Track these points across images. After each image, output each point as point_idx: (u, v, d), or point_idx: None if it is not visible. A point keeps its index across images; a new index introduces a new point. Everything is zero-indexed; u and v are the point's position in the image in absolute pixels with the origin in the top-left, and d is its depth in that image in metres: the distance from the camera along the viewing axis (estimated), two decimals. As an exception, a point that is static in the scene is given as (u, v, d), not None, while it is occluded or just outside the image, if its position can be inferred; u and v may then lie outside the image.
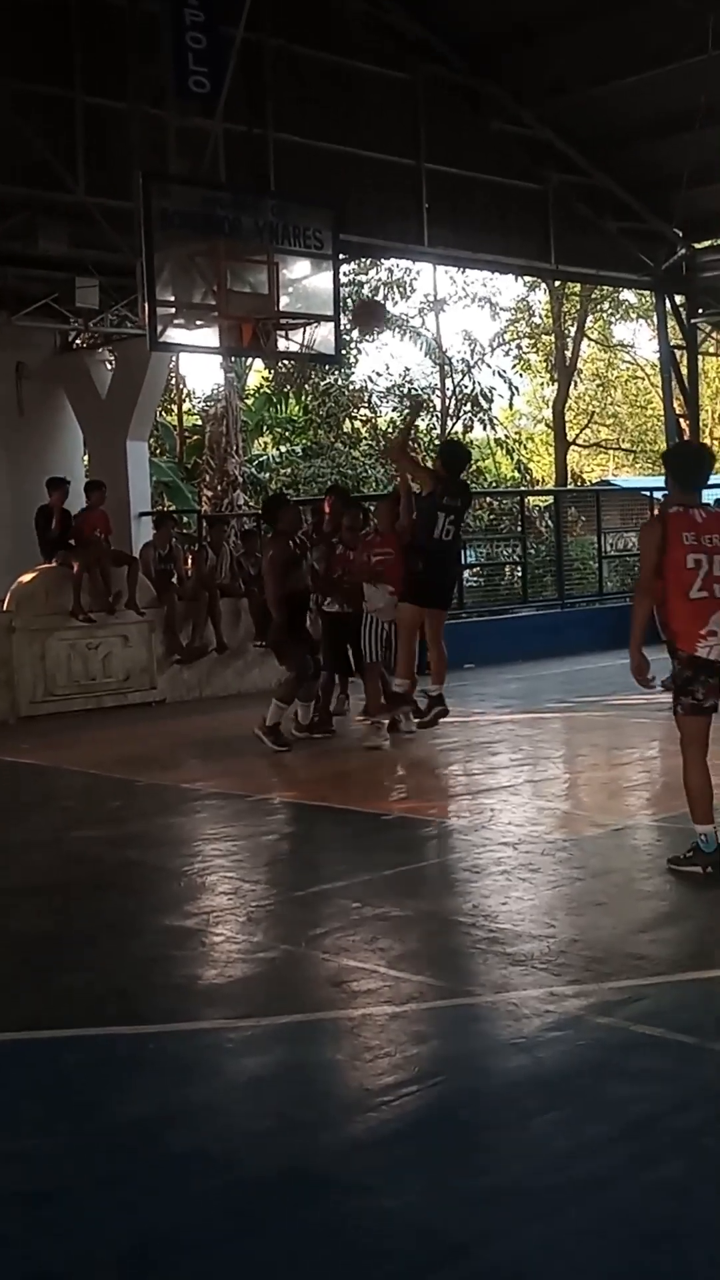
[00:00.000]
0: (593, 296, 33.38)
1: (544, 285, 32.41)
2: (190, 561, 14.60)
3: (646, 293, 25.79)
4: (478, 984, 4.73)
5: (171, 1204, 3.34)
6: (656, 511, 8.26)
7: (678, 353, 19.74)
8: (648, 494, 21.89)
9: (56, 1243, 3.18)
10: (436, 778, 9.35)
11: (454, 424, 32.37)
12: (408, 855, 6.98)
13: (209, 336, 12.73)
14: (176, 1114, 3.88)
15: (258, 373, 30.50)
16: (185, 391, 28.51)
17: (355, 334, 10.85)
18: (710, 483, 6.46)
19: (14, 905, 6.31)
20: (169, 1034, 4.51)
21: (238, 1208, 3.31)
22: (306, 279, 13.10)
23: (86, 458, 19.30)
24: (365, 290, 30.53)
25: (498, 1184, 3.40)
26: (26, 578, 13.31)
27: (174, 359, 20.10)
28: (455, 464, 10.43)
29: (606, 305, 35.08)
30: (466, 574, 19.43)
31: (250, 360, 26.08)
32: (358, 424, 31.70)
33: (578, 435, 37.79)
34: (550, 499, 22.59)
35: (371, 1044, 4.25)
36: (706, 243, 18.81)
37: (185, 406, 28.34)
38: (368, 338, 11.68)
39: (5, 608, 12.88)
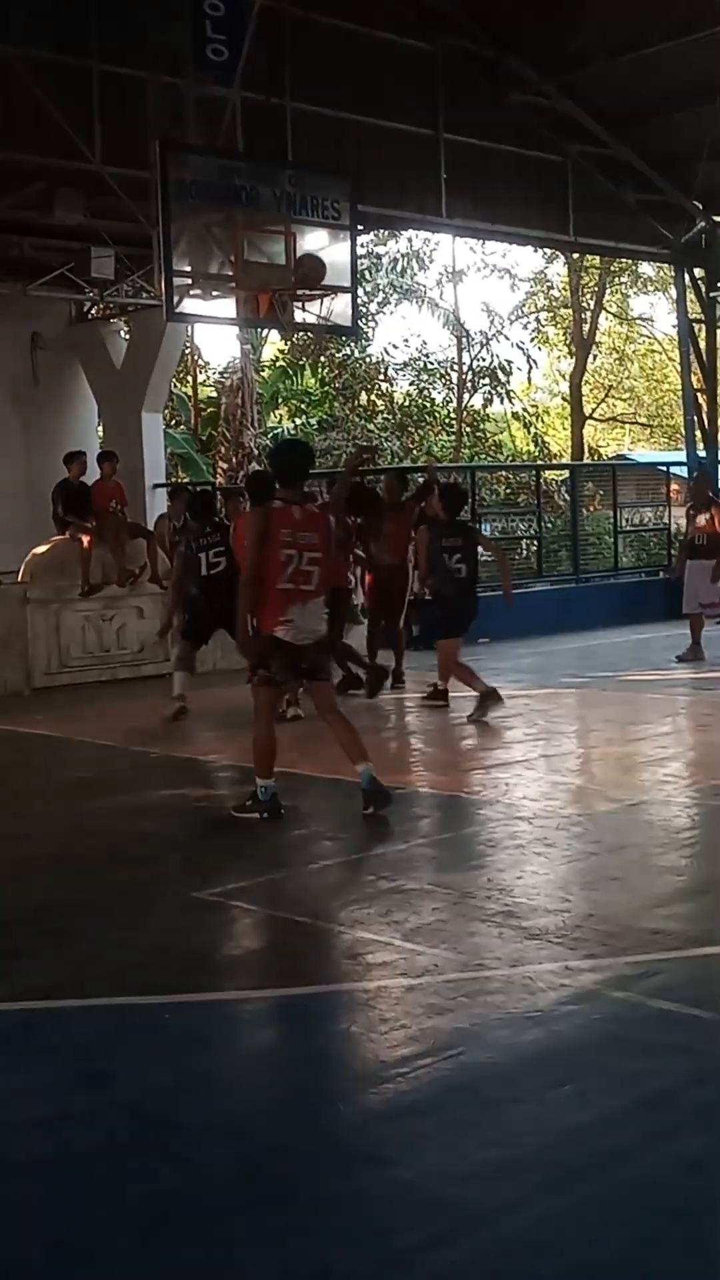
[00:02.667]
0: (611, 270, 33.19)
1: (563, 258, 32.22)
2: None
3: (665, 266, 25.66)
4: (493, 957, 4.73)
5: (189, 1172, 3.36)
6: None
7: (696, 326, 19.63)
8: (664, 469, 21.81)
9: (76, 1209, 3.19)
10: (451, 752, 9.35)
11: (471, 397, 32.26)
12: (422, 829, 7.00)
13: (226, 307, 12.69)
14: (193, 1084, 3.89)
15: (274, 344, 30.40)
16: (200, 363, 28.44)
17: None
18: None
19: (30, 875, 6.33)
20: (185, 1004, 4.53)
21: (255, 1177, 3.33)
22: (323, 249, 13.03)
23: (101, 429, 19.28)
24: (386, 260, 30.35)
25: (515, 1156, 3.41)
26: (41, 549, 13.32)
27: (189, 330, 20.03)
28: (454, 507, 11.00)
29: (625, 278, 34.89)
30: (480, 549, 19.41)
31: (265, 332, 26.01)
32: (374, 397, 31.60)
33: (595, 409, 37.64)
34: (566, 473, 22.51)
35: (387, 1016, 4.26)
36: (727, 216, 18.69)
37: (200, 378, 28.28)
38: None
39: (20, 579, 12.89)
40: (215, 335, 22.27)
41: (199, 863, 6.45)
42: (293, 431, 29.33)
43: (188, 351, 24.04)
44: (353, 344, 28.67)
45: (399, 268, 30.68)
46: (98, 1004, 4.52)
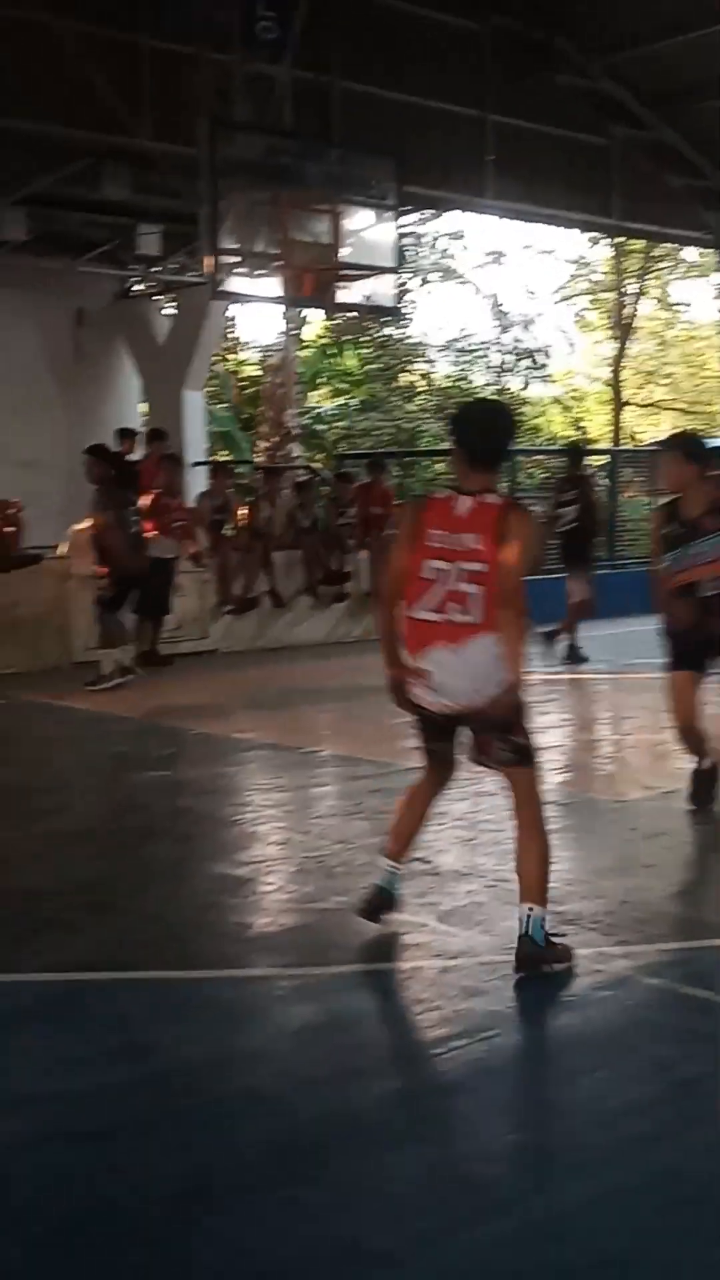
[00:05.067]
0: (653, 254, 32.96)
1: (606, 241, 32.00)
2: (244, 512, 14.63)
3: (708, 251, 25.43)
4: (527, 941, 4.75)
5: (225, 1146, 3.41)
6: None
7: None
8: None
9: (116, 1179, 3.25)
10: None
11: (511, 379, 32.15)
12: (457, 811, 7.02)
13: (270, 286, 12.69)
14: (230, 1058, 3.95)
15: (316, 324, 30.39)
16: (242, 341, 28.49)
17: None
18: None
19: (68, 849, 6.40)
20: (221, 980, 4.59)
21: (289, 1152, 3.38)
22: (367, 230, 13.02)
23: (143, 406, 19.34)
24: (428, 240, 30.23)
25: (546, 1140, 3.45)
26: (82, 525, 13.37)
27: (230, 308, 20.06)
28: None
29: (667, 263, 34.63)
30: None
31: (304, 311, 26.01)
32: (414, 378, 31.54)
33: (634, 395, 37.42)
34: (605, 458, 22.43)
35: (422, 997, 4.30)
36: (772, 202, 18.52)
37: (242, 356, 28.30)
38: None
39: (60, 555, 12.97)
40: (257, 314, 22.38)
41: (235, 839, 6.51)
42: (332, 412, 29.30)
43: (230, 330, 24.09)
44: (393, 324, 28.61)
45: (438, 246, 30.58)
46: (136, 977, 4.59)
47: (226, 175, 11.68)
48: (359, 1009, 4.29)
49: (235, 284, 12.52)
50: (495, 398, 5.27)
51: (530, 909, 4.43)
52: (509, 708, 4.45)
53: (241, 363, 28.38)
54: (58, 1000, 4.38)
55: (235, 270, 12.25)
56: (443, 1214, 3.09)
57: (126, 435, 13.82)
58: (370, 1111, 3.60)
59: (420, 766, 4.88)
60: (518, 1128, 3.58)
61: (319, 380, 29.79)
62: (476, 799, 6.57)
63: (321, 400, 29.92)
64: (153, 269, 17.07)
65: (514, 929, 4.44)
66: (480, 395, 5.84)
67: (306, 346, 29.32)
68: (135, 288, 18.52)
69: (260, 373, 27.29)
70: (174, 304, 18.67)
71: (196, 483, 16.79)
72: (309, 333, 29.96)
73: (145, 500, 12.47)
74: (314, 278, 12.44)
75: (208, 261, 11.90)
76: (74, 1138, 3.46)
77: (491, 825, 6.67)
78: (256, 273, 12.50)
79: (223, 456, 23.22)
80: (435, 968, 4.57)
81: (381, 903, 4.84)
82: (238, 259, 12.20)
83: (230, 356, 27.30)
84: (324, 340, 30.35)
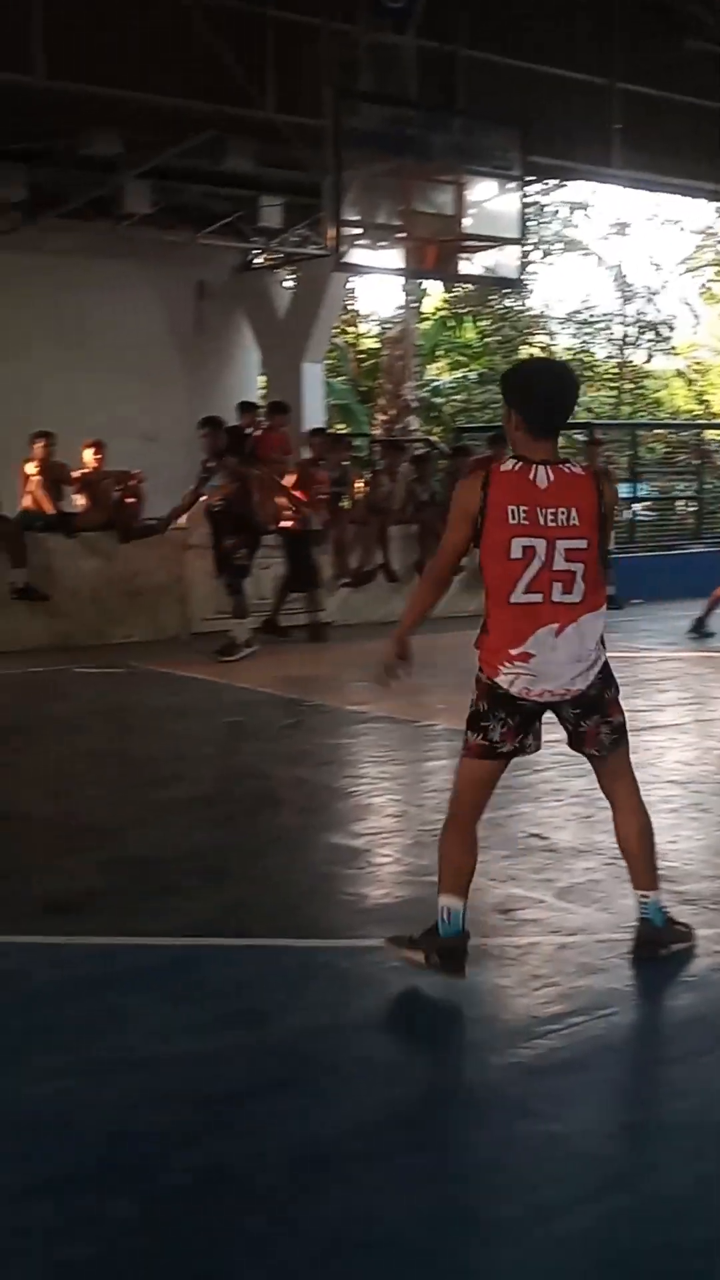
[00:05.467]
0: (784, 224, 32.22)
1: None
2: (361, 485, 14.63)
3: None
4: (646, 920, 4.70)
5: (342, 1113, 3.43)
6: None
7: None
8: None
9: (233, 1141, 3.28)
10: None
11: (633, 352, 31.70)
12: (575, 788, 6.95)
13: (392, 258, 12.65)
14: (346, 1027, 3.96)
15: (435, 296, 30.24)
16: (361, 314, 28.46)
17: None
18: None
19: (186, 816, 6.47)
20: (337, 949, 4.60)
21: (406, 1121, 3.38)
22: (491, 200, 12.89)
23: (262, 378, 19.41)
24: (550, 210, 29.83)
25: (664, 1118, 3.41)
26: (192, 492, 13.46)
27: (350, 280, 20.04)
28: None
29: None
30: (638, 508, 19.18)
31: (424, 283, 25.88)
32: (534, 350, 31.26)
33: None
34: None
35: (540, 972, 4.27)
36: None
37: (361, 329, 28.27)
38: None
39: (181, 525, 13.08)
40: (376, 286, 22.33)
41: (350, 810, 6.52)
42: (450, 385, 29.14)
43: (349, 302, 24.07)
44: (514, 296, 28.35)
45: (561, 216, 30.21)
46: (252, 944, 4.62)
47: (350, 146, 11.64)
48: (475, 983, 4.27)
49: (357, 256, 12.50)
50: (554, 358, 4.26)
51: (644, 895, 4.33)
52: (605, 686, 4.28)
53: (360, 335, 28.34)
54: (176, 965, 4.42)
55: (357, 242, 12.22)
56: (561, 1188, 3.07)
57: (247, 408, 13.88)
58: (487, 1084, 3.59)
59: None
60: (635, 1106, 3.54)
61: (438, 353, 29.64)
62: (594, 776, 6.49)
63: (440, 373, 29.78)
64: (274, 241, 17.08)
65: (632, 907, 4.39)
66: (537, 356, 5.15)
67: (426, 319, 29.18)
68: (256, 260, 18.56)
69: (379, 345, 27.24)
70: (294, 276, 18.69)
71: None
72: (428, 305, 29.83)
73: (289, 474, 12.60)
74: (436, 249, 12.36)
75: (330, 233, 11.90)
76: (190, 1100, 3.50)
77: (608, 806, 6.60)
78: (379, 244, 12.46)
79: (340, 429, 23.25)
80: (553, 944, 4.54)
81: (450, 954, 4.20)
82: (360, 231, 12.16)
83: (349, 329, 27.27)
84: (443, 312, 30.18)
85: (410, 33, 12.23)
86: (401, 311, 24.87)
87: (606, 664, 4.25)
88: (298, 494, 12.38)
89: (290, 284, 18.78)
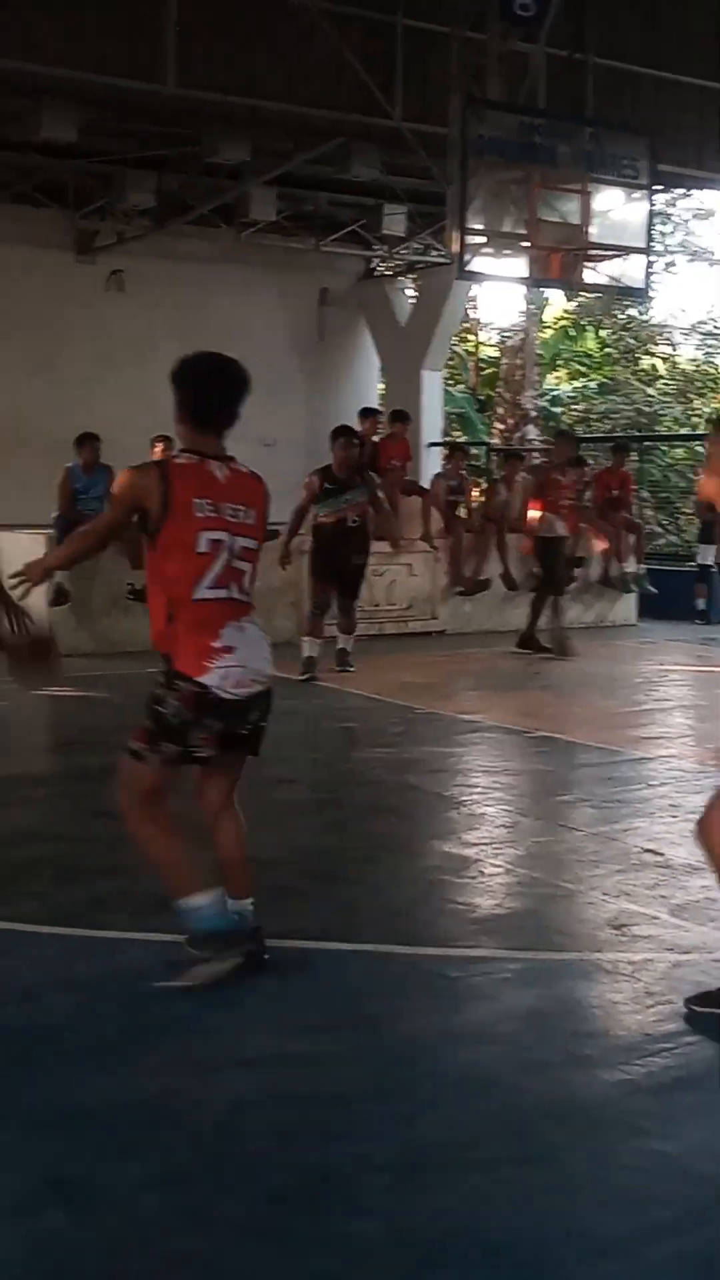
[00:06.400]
0: None
1: None
2: (479, 494, 14.61)
3: None
4: (764, 941, 4.63)
5: (449, 1121, 3.41)
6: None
7: None
8: None
9: (337, 1144, 3.28)
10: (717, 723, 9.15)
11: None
12: (690, 804, 6.85)
13: (516, 266, 12.62)
14: (454, 1036, 3.95)
15: (556, 305, 30.05)
16: (481, 322, 28.37)
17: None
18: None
19: (299, 819, 6.51)
20: (446, 958, 4.58)
21: (513, 1133, 3.35)
22: (617, 209, 12.80)
23: (381, 385, 19.47)
24: (675, 219, 29.45)
25: (779, 1144, 3.34)
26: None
27: (471, 288, 20.00)
28: None
29: None
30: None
31: (546, 292, 25.75)
32: (655, 361, 30.91)
33: None
34: None
35: (653, 989, 4.22)
36: None
37: (481, 337, 28.20)
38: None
39: (298, 531, 13.15)
40: (497, 294, 22.19)
41: (461, 819, 6.50)
42: (570, 395, 28.92)
43: (471, 310, 24.03)
44: (637, 306, 28.07)
45: (685, 225, 29.83)
46: (362, 949, 4.62)
47: (476, 154, 11.65)
48: (586, 997, 4.23)
49: (480, 264, 12.49)
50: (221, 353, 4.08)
51: (242, 900, 4.33)
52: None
53: (480, 343, 28.26)
54: (287, 966, 4.44)
55: (481, 250, 12.20)
56: (670, 1207, 3.02)
57: (368, 415, 13.91)
58: (597, 1101, 3.54)
59: None
60: (748, 1130, 3.47)
61: (558, 362, 29.45)
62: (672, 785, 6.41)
63: (559, 382, 29.58)
64: (397, 249, 17.13)
65: (750, 927, 4.32)
66: (205, 351, 4.60)
67: (547, 327, 29.02)
68: (378, 268, 18.63)
69: (499, 354, 27.15)
70: (414, 283, 18.73)
71: (431, 464, 16.84)
72: (550, 313, 29.65)
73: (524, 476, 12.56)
74: (560, 258, 12.31)
75: (454, 241, 11.89)
76: (299, 1101, 3.51)
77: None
78: (502, 252, 12.45)
79: (458, 437, 23.22)
80: (667, 961, 4.48)
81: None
82: (483, 239, 12.15)
83: (469, 337, 27.21)
84: (564, 322, 29.99)
85: (540, 40, 12.18)
86: (522, 320, 24.78)
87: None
88: (538, 502, 12.20)
89: (412, 291, 18.82)
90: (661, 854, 5.70)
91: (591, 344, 29.97)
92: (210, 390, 4.17)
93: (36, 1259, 2.80)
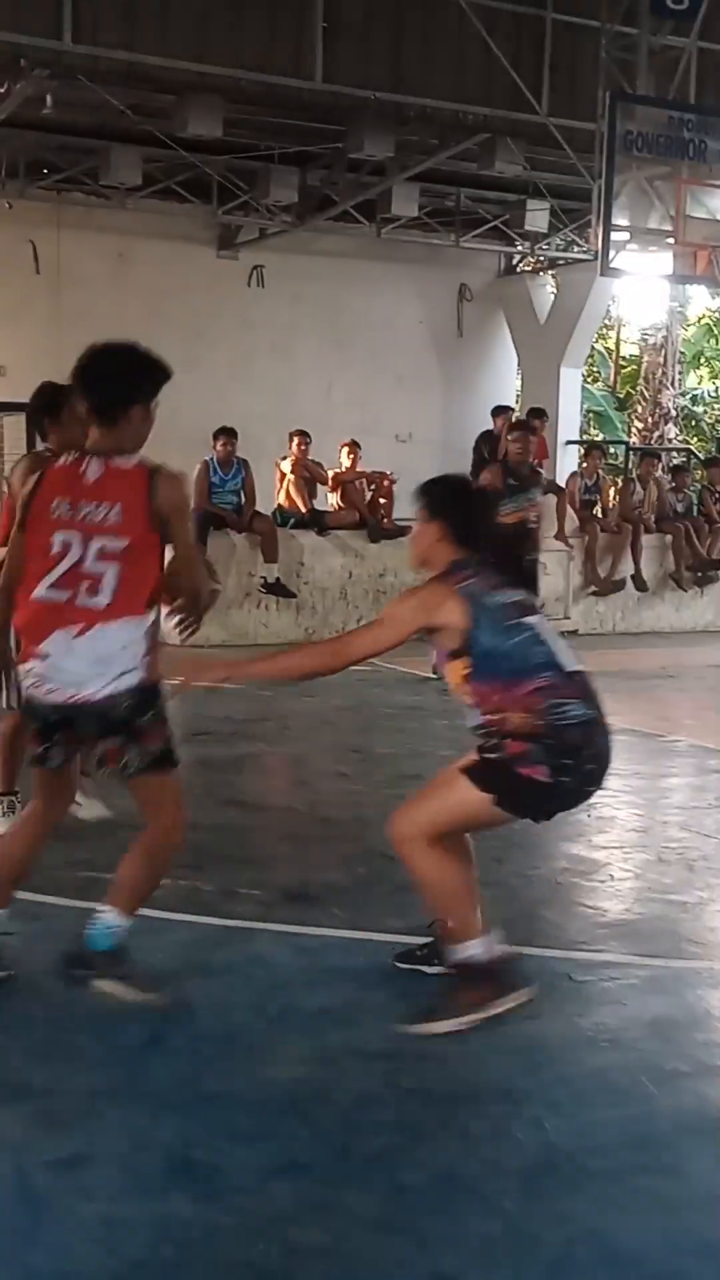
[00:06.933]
0: None
1: None
2: (615, 493, 14.45)
3: None
4: None
5: (577, 1126, 3.38)
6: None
7: None
8: None
9: (465, 1143, 3.28)
10: None
11: None
12: None
13: (661, 263, 12.44)
14: (583, 1040, 3.91)
15: (700, 303, 29.55)
16: (622, 319, 28.02)
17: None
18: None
19: (427, 815, 6.48)
20: (575, 961, 4.54)
21: (642, 1142, 3.32)
22: (765, 206, 12.56)
23: (518, 382, 19.35)
24: None
25: None
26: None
27: (613, 285, 19.78)
28: None
29: None
30: None
31: (689, 289, 25.32)
32: None
33: None
34: None
35: (791, 1002, 4.14)
36: None
37: (622, 334, 27.87)
38: None
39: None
40: (639, 291, 21.80)
41: (591, 822, 6.43)
42: (712, 395, 28.43)
43: (612, 307, 23.76)
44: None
45: None
46: (492, 949, 4.59)
47: (625, 150, 11.51)
48: (717, 1007, 4.16)
49: (624, 261, 12.34)
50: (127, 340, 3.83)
51: (103, 910, 3.97)
52: (141, 711, 3.89)
53: (620, 341, 27.92)
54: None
55: (626, 247, 12.06)
56: None
57: (501, 411, 13.84)
58: (729, 1114, 3.48)
59: None
60: None
61: (700, 361, 28.97)
62: None
63: (701, 381, 29.10)
64: (538, 245, 17.01)
65: None
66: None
67: (690, 325, 28.56)
68: (519, 264, 18.51)
69: (639, 352, 26.79)
70: (555, 279, 18.57)
71: (568, 462, 16.69)
72: (693, 311, 29.18)
73: None
74: (708, 255, 12.10)
75: (598, 238, 11.76)
76: (426, 1098, 3.51)
77: None
78: (647, 249, 12.28)
79: (596, 435, 22.99)
80: None
81: None
82: (628, 235, 12.01)
83: (609, 334, 26.90)
84: (707, 319, 29.48)
85: (693, 34, 11.99)
86: (664, 318, 24.41)
87: (154, 689, 3.88)
88: None
89: (552, 288, 18.67)
90: None
91: (735, 343, 29.44)
92: (101, 380, 3.99)
93: (162, 1243, 2.84)
